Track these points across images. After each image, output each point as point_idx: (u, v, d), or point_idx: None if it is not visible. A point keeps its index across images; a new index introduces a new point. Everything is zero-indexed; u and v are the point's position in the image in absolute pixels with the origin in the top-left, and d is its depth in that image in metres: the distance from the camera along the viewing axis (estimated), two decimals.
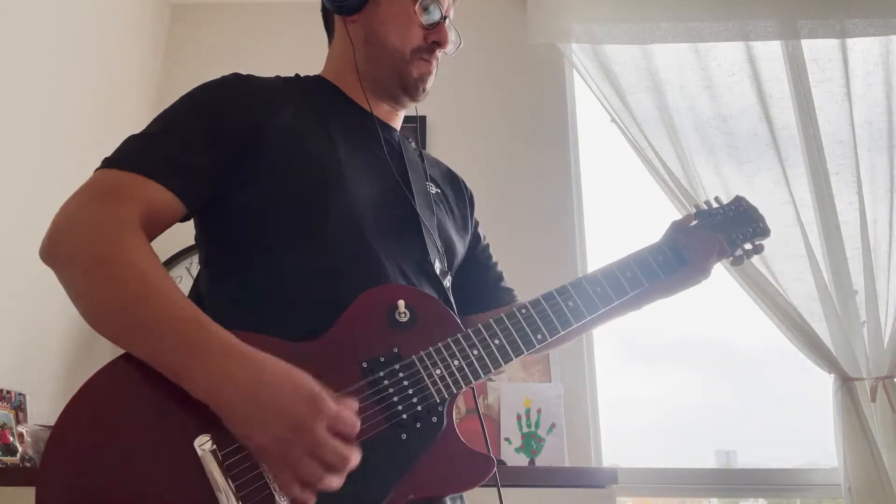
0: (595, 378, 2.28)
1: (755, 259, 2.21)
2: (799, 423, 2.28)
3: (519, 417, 2.05)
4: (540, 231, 2.40)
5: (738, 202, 1.15)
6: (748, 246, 1.13)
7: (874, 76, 2.40)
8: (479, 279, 1.17)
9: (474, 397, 1.03)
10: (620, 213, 2.56)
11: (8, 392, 1.72)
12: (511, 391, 2.09)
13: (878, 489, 1.94)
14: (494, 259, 1.23)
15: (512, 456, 1.99)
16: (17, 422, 1.71)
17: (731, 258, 1.12)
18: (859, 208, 2.25)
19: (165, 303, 0.77)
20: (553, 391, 2.09)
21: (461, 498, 0.98)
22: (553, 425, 2.04)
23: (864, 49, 2.43)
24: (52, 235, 0.82)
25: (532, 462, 1.99)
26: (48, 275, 0.81)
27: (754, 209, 1.15)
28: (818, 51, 2.45)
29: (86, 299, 0.79)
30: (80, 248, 0.80)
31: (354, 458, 0.73)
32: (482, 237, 1.23)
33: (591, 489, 1.69)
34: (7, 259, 1.77)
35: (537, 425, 2.04)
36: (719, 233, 1.10)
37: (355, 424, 0.73)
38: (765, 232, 1.13)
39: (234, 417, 0.72)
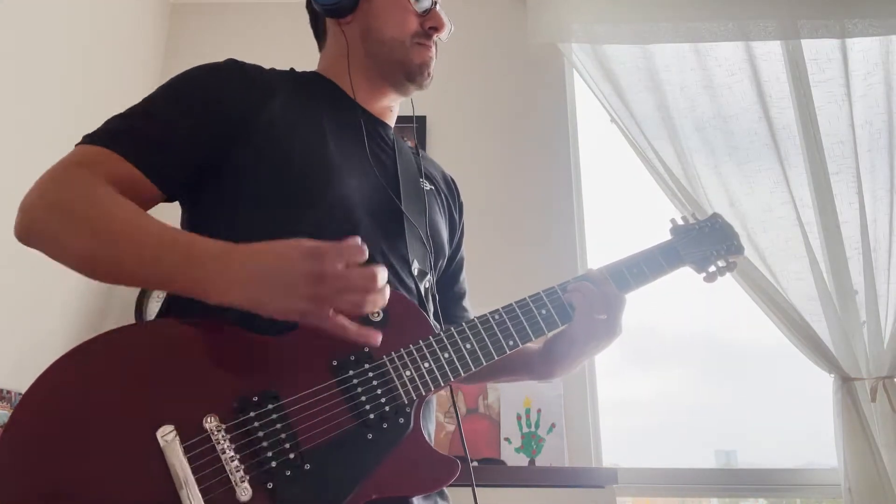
0: (595, 378, 2.28)
1: (755, 259, 2.24)
2: (799, 423, 2.28)
3: (519, 417, 2.05)
4: (540, 231, 2.40)
5: (714, 219, 1.16)
6: (721, 263, 1.14)
7: (874, 76, 2.40)
8: (443, 291, 1.15)
9: (453, 400, 1.02)
10: (620, 212, 2.57)
11: (8, 392, 1.72)
12: (511, 391, 2.09)
13: (878, 489, 1.94)
14: (464, 275, 1.23)
15: (512, 456, 1.99)
16: None
17: (705, 274, 1.13)
18: (859, 208, 2.25)
19: (151, 234, 0.79)
20: (553, 391, 2.09)
21: (443, 496, 0.97)
22: (553, 425, 2.04)
23: (864, 49, 2.44)
24: (26, 206, 0.83)
25: (532, 462, 1.99)
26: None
27: (729, 227, 1.16)
28: (818, 51, 2.45)
29: (75, 256, 0.81)
30: (55, 211, 0.81)
31: (380, 273, 0.75)
32: (461, 248, 1.23)
33: (591, 489, 1.69)
34: (7, 259, 1.77)
35: (537, 425, 2.04)
36: (696, 248, 1.11)
37: (362, 250, 0.75)
38: (739, 250, 1.15)
39: (262, 306, 0.74)
